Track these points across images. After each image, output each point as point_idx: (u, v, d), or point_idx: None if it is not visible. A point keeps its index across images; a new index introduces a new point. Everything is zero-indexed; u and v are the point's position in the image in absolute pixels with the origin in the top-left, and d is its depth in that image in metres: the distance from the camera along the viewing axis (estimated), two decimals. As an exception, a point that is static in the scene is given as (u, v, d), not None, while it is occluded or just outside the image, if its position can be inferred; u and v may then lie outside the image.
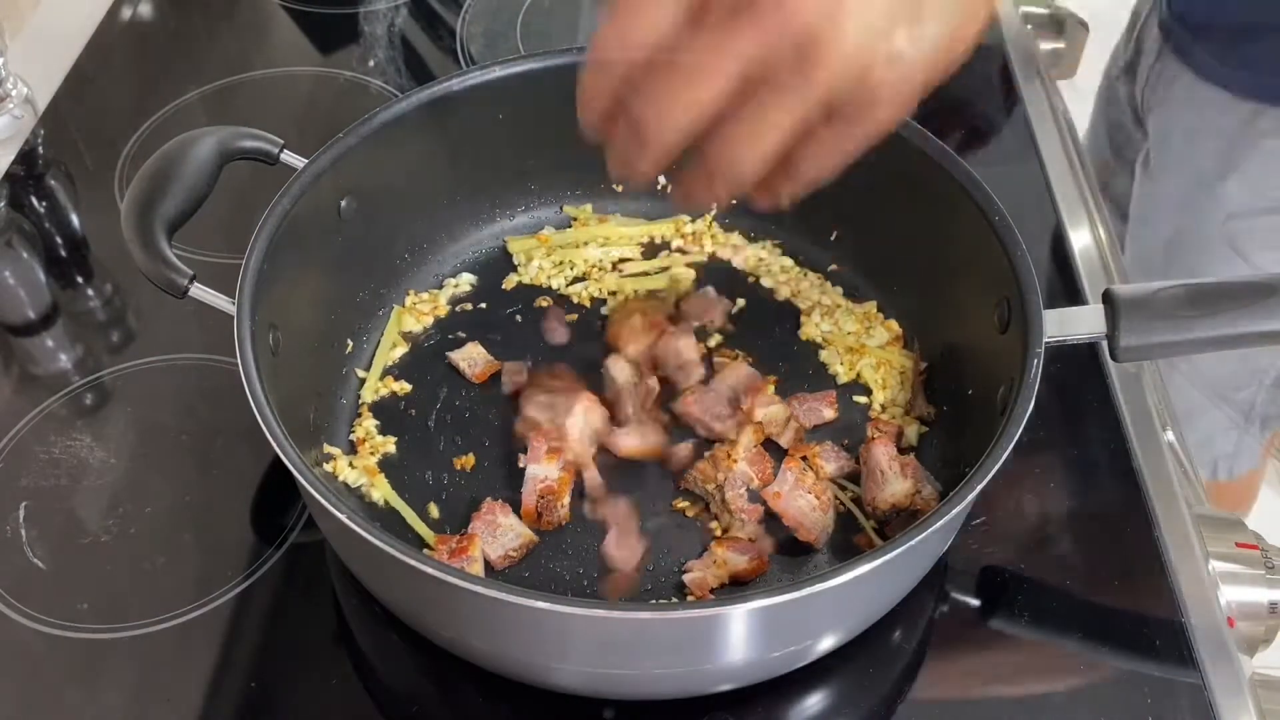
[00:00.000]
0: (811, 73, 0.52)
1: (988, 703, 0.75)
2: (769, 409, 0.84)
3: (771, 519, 0.79)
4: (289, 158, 0.83)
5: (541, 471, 0.79)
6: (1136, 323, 0.74)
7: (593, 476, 0.80)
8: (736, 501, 0.79)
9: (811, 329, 0.92)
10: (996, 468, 0.66)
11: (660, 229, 0.98)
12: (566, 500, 0.79)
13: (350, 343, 0.89)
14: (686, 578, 0.77)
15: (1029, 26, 1.27)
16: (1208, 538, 0.82)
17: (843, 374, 0.89)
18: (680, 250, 0.97)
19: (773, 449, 0.83)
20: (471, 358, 0.89)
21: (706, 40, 0.52)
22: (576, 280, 0.96)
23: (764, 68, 0.52)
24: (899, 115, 0.57)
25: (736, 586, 0.77)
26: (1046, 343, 0.72)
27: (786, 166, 0.58)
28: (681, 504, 0.81)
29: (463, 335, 0.91)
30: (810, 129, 0.56)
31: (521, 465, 0.80)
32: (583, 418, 0.82)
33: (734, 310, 0.93)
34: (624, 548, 0.76)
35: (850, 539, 0.79)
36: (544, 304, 0.94)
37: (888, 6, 0.54)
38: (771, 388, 0.86)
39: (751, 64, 0.52)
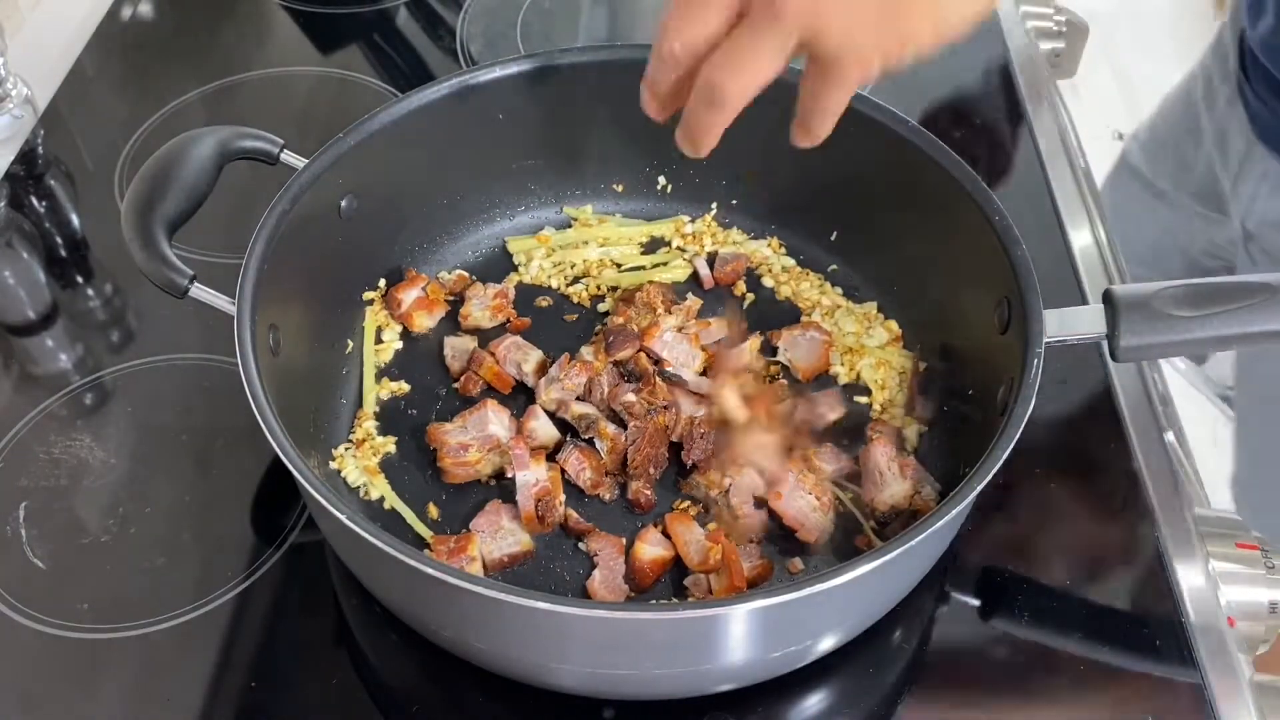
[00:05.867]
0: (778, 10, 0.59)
1: (988, 702, 0.75)
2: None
3: (772, 521, 0.79)
4: (289, 158, 0.83)
5: (532, 476, 0.79)
6: (1136, 323, 0.74)
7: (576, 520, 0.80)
8: (742, 508, 0.79)
9: (811, 329, 0.92)
10: (996, 468, 0.66)
11: (660, 229, 0.98)
12: (562, 498, 0.79)
13: (350, 343, 0.89)
14: (687, 579, 0.77)
15: (1029, 26, 1.27)
16: (1208, 538, 0.82)
17: (843, 374, 0.89)
18: (680, 249, 0.97)
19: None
20: (456, 349, 0.89)
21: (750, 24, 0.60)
22: (576, 280, 0.96)
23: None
24: (864, 75, 0.61)
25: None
26: (1046, 343, 0.72)
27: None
28: (682, 505, 0.81)
29: (463, 334, 0.91)
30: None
31: (510, 475, 0.80)
32: (495, 417, 0.83)
33: (745, 304, 0.94)
34: (608, 589, 0.76)
35: (850, 539, 0.79)
36: (544, 304, 0.94)
37: None
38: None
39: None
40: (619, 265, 0.96)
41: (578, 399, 0.84)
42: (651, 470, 0.81)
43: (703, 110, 0.63)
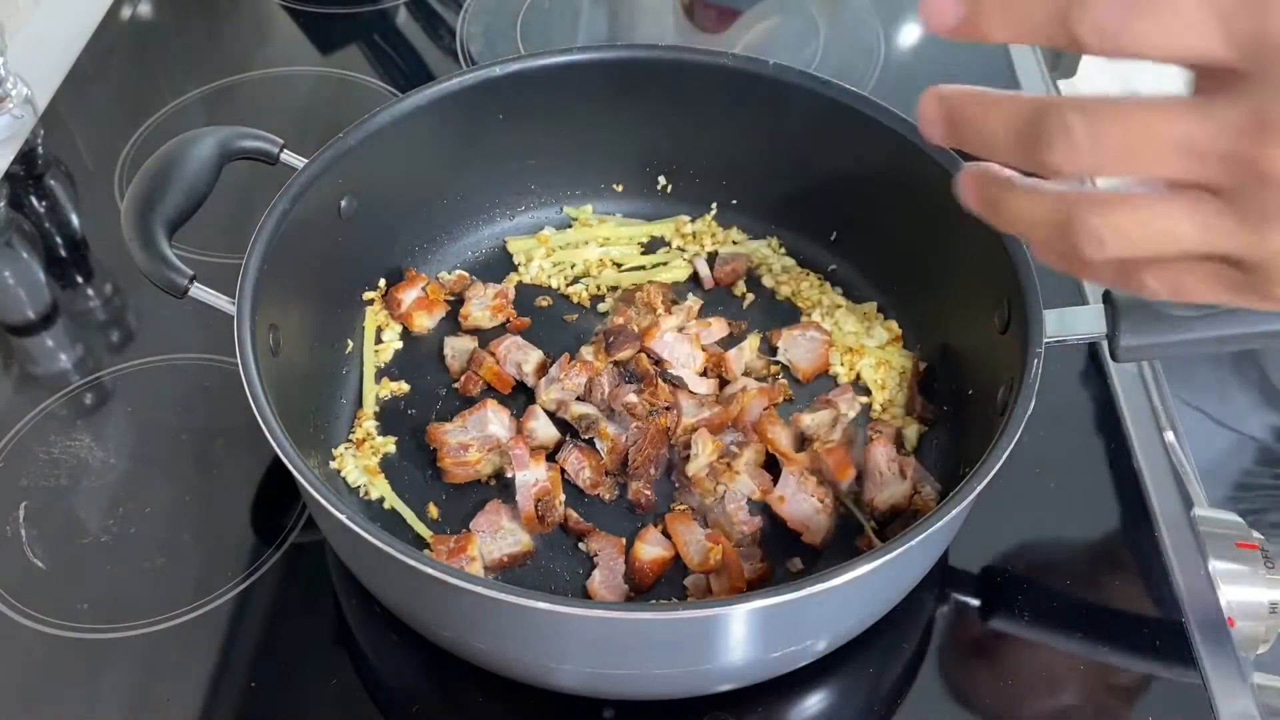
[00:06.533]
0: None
1: (988, 702, 0.75)
2: (816, 415, 0.83)
3: (771, 522, 0.79)
4: (289, 158, 0.83)
5: (531, 476, 0.79)
6: (1136, 323, 0.74)
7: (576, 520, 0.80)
8: (738, 514, 0.79)
9: (811, 329, 0.91)
10: (996, 468, 0.66)
11: (660, 229, 0.98)
12: (562, 498, 0.79)
13: (350, 342, 0.89)
14: (687, 579, 0.77)
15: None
16: (1207, 538, 0.82)
17: (843, 374, 0.89)
18: (679, 249, 0.97)
19: (770, 465, 0.83)
20: (456, 349, 0.89)
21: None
22: (576, 280, 0.96)
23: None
24: None
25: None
26: (1046, 343, 0.72)
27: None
28: (680, 507, 0.81)
29: (463, 334, 0.91)
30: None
31: (510, 475, 0.80)
32: (495, 417, 0.83)
33: (746, 305, 0.94)
34: (608, 589, 0.76)
35: (850, 539, 0.79)
36: (544, 304, 0.94)
37: None
38: (782, 397, 0.86)
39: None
40: (619, 265, 0.96)
41: (578, 399, 0.84)
42: (652, 470, 0.81)
43: (1059, 248, 0.48)
